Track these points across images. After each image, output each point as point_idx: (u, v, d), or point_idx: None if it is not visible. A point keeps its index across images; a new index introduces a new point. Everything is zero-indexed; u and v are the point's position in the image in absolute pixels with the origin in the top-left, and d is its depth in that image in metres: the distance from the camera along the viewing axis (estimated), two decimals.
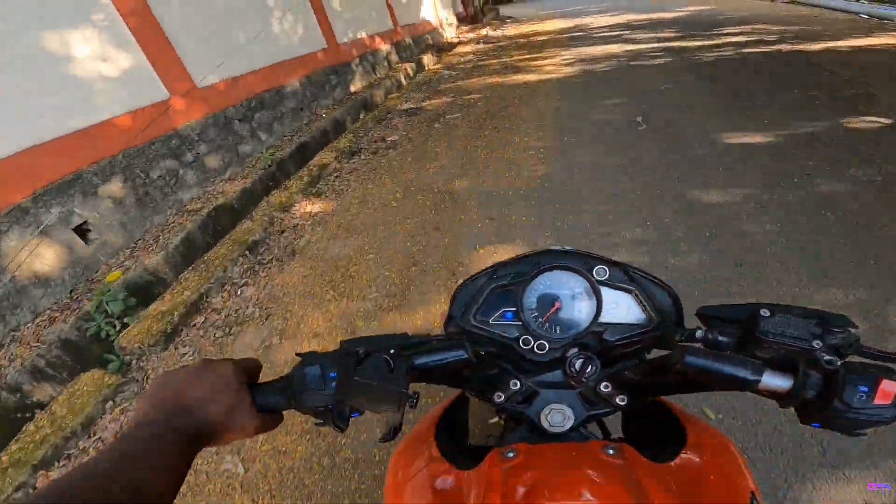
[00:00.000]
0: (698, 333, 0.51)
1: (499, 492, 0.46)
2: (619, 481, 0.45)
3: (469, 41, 11.35)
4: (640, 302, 0.62)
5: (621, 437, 0.71)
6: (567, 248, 0.66)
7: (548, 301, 0.64)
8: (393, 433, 0.52)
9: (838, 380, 0.39)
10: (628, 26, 9.85)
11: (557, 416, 0.58)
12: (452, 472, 0.55)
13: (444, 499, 0.53)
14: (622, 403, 0.57)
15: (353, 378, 0.46)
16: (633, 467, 0.47)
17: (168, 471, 0.37)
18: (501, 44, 10.58)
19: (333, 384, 0.47)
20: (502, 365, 0.61)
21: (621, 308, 0.63)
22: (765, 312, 0.46)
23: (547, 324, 0.64)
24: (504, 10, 22.24)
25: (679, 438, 0.57)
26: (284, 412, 0.51)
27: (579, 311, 0.63)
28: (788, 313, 0.46)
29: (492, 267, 0.67)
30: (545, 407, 0.59)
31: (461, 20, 14.20)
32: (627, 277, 0.63)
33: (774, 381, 0.42)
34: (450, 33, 12.39)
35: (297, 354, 0.51)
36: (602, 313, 0.62)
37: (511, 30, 12.79)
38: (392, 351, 0.49)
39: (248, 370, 0.50)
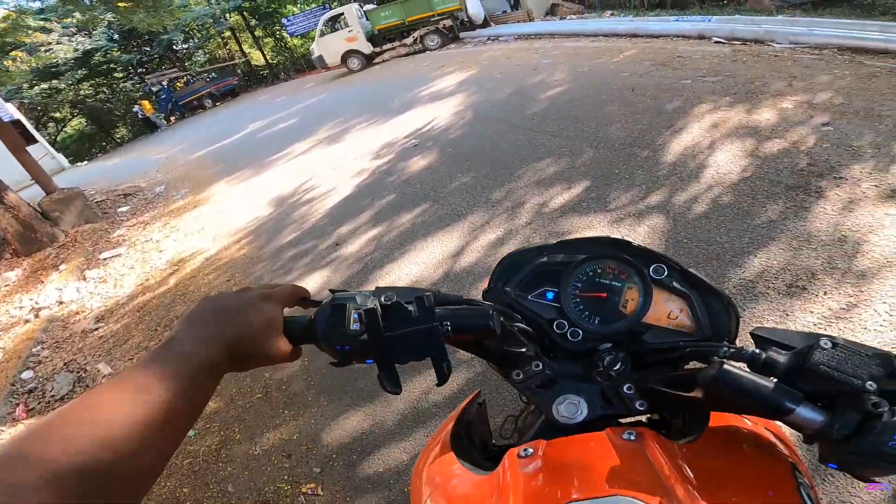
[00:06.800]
0: (745, 352, 0.47)
1: (520, 493, 0.44)
2: (642, 469, 0.44)
3: None
4: (693, 310, 0.59)
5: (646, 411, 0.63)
6: (626, 238, 0.63)
7: (593, 289, 0.61)
8: (442, 373, 0.50)
9: (876, 424, 0.36)
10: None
11: (571, 407, 0.55)
12: (471, 476, 0.54)
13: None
14: (641, 409, 0.54)
15: (379, 323, 0.47)
16: (654, 452, 0.45)
17: (194, 389, 0.37)
18: None
19: (357, 325, 0.47)
20: (528, 344, 0.58)
21: (670, 312, 0.59)
22: (825, 343, 0.41)
23: (587, 313, 0.61)
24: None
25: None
26: (304, 347, 0.51)
27: (624, 306, 0.60)
28: (850, 348, 0.41)
29: (544, 245, 0.65)
30: (560, 396, 0.56)
31: None
32: (686, 282, 0.59)
33: (808, 414, 0.39)
34: None
35: (329, 291, 0.51)
36: (648, 313, 0.59)
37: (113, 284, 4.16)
38: (418, 298, 0.48)
39: (292, 298, 0.51)
